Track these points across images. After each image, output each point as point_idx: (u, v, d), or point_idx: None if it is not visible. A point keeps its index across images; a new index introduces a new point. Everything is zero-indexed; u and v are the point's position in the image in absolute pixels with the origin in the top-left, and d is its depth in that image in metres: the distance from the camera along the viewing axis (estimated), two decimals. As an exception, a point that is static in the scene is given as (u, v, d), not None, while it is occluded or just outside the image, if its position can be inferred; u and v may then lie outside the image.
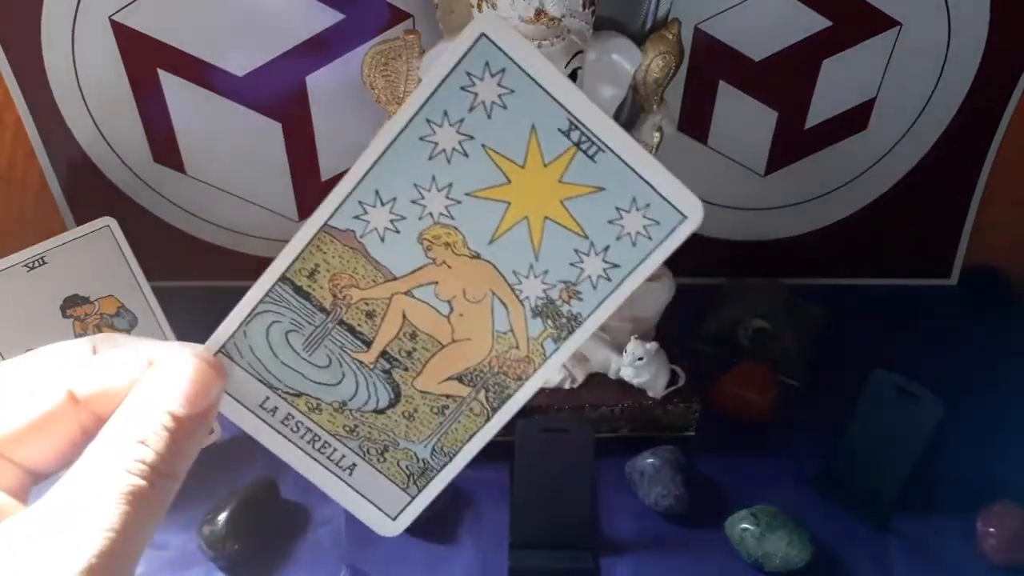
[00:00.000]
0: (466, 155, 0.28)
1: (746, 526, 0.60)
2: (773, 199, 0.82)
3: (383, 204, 0.29)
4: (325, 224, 0.29)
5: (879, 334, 0.79)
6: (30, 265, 0.62)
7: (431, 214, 0.29)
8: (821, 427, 0.68)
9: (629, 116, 0.67)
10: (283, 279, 0.29)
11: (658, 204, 0.28)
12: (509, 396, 0.31)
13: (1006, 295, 0.86)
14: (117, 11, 0.68)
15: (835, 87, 0.76)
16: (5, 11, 0.68)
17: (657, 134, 0.65)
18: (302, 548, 0.62)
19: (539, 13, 0.55)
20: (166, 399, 0.26)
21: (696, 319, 0.79)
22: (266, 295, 0.29)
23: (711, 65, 0.74)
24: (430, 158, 0.28)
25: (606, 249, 0.29)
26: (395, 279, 0.30)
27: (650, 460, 0.65)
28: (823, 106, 0.77)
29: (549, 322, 0.30)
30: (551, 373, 0.31)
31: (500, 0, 0.55)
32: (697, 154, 0.79)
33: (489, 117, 0.28)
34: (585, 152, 0.28)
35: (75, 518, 0.24)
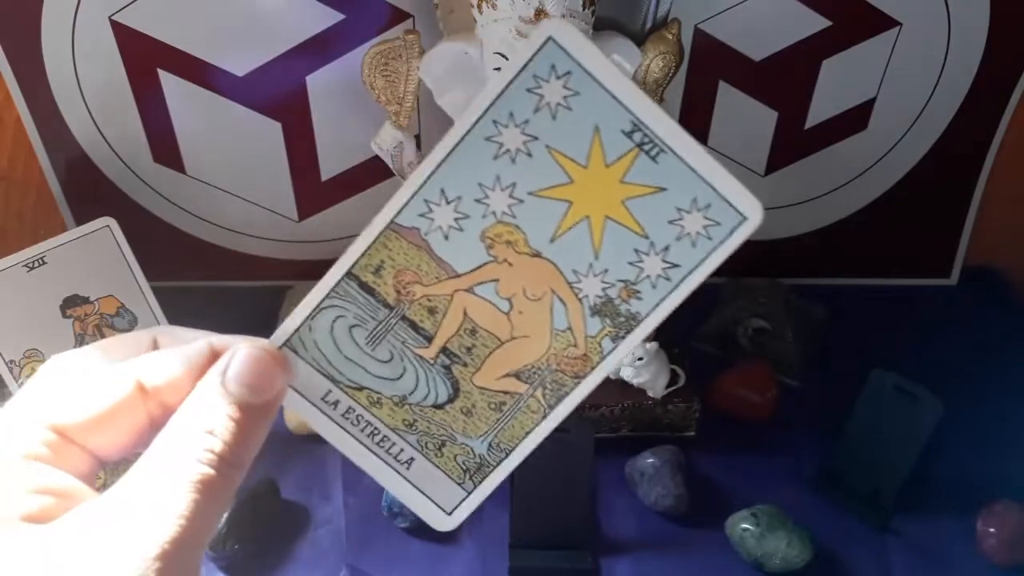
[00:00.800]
0: (530, 155, 0.29)
1: (746, 526, 0.60)
2: (773, 199, 0.82)
3: (448, 203, 0.29)
4: (392, 222, 0.29)
5: (879, 334, 0.79)
6: (30, 265, 0.62)
7: (494, 213, 0.29)
8: (821, 427, 0.68)
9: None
10: (349, 275, 0.30)
11: (718, 205, 0.29)
12: (566, 394, 0.31)
13: (1006, 295, 0.86)
14: (117, 11, 0.68)
15: (835, 87, 0.76)
16: (5, 11, 0.68)
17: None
18: (302, 548, 0.62)
19: (539, 13, 0.55)
20: (233, 390, 0.27)
21: (696, 319, 0.79)
22: (332, 290, 0.30)
23: (711, 65, 0.74)
24: (495, 158, 0.29)
25: (666, 249, 0.29)
26: (457, 276, 0.30)
27: (650, 460, 0.65)
28: (823, 106, 0.77)
29: (607, 321, 0.30)
30: (608, 372, 0.31)
31: (500, 0, 0.55)
32: (697, 154, 0.79)
33: (554, 118, 0.28)
34: (647, 153, 0.28)
35: (148, 505, 0.24)
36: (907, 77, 0.75)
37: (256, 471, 0.63)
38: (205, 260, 0.82)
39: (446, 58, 0.60)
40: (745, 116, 0.77)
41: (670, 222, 0.29)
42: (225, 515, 0.59)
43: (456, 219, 0.29)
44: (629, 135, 0.28)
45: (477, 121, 0.28)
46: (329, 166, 0.78)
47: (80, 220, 0.69)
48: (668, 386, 0.67)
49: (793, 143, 0.79)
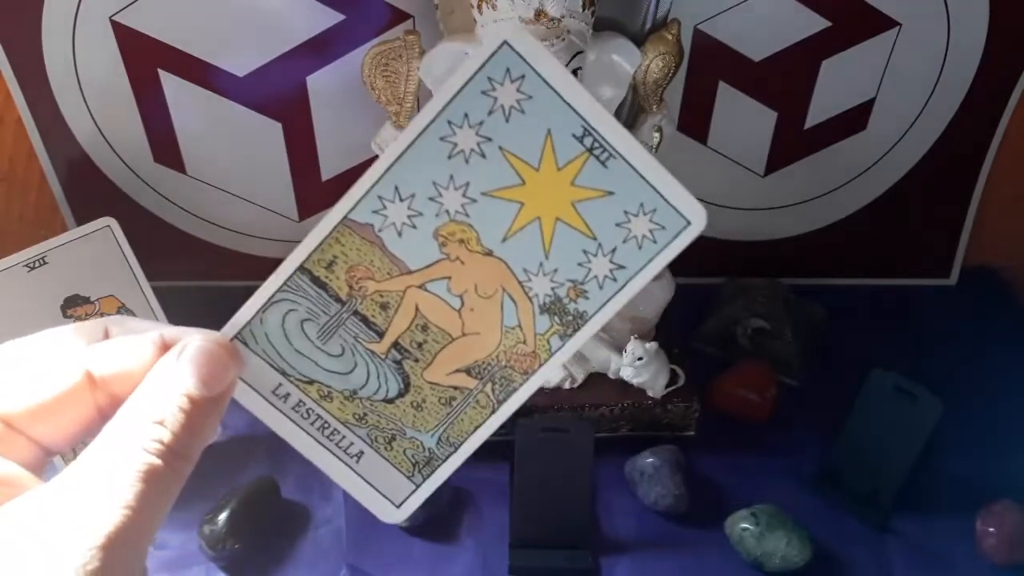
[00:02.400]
0: (484, 156, 0.29)
1: (745, 526, 0.61)
2: (773, 199, 0.82)
3: (402, 200, 0.30)
4: (345, 217, 0.30)
5: (878, 334, 0.79)
6: (31, 265, 0.62)
7: (447, 211, 0.30)
8: (820, 427, 0.68)
9: (629, 116, 0.67)
10: (302, 269, 0.30)
11: (664, 209, 0.30)
12: (515, 390, 0.32)
13: (1005, 295, 0.86)
14: (118, 11, 0.68)
15: (835, 87, 0.76)
16: (6, 11, 0.68)
17: (657, 134, 0.65)
18: (302, 548, 0.62)
19: (539, 14, 0.55)
20: (183, 381, 0.27)
21: (696, 319, 0.79)
22: (284, 284, 0.30)
23: (711, 65, 0.74)
24: (449, 157, 0.29)
25: (613, 251, 0.30)
26: (410, 273, 0.31)
27: (650, 460, 0.65)
28: (823, 106, 0.77)
29: (556, 319, 0.31)
30: (555, 369, 0.32)
31: (500, 1, 0.55)
32: (697, 154, 0.79)
33: (507, 121, 0.29)
34: (597, 158, 0.29)
35: (92, 494, 0.24)
36: (906, 77, 0.75)
37: (257, 471, 0.64)
38: (205, 260, 0.82)
39: (446, 59, 0.60)
40: (745, 116, 0.77)
41: (618, 225, 0.30)
42: (225, 514, 0.59)
43: (409, 216, 0.30)
44: (580, 139, 0.29)
45: (432, 121, 0.29)
46: (329, 166, 0.78)
47: (81, 220, 0.69)
48: (668, 386, 0.67)
49: (793, 143, 0.79)
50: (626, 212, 0.30)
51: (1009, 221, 0.85)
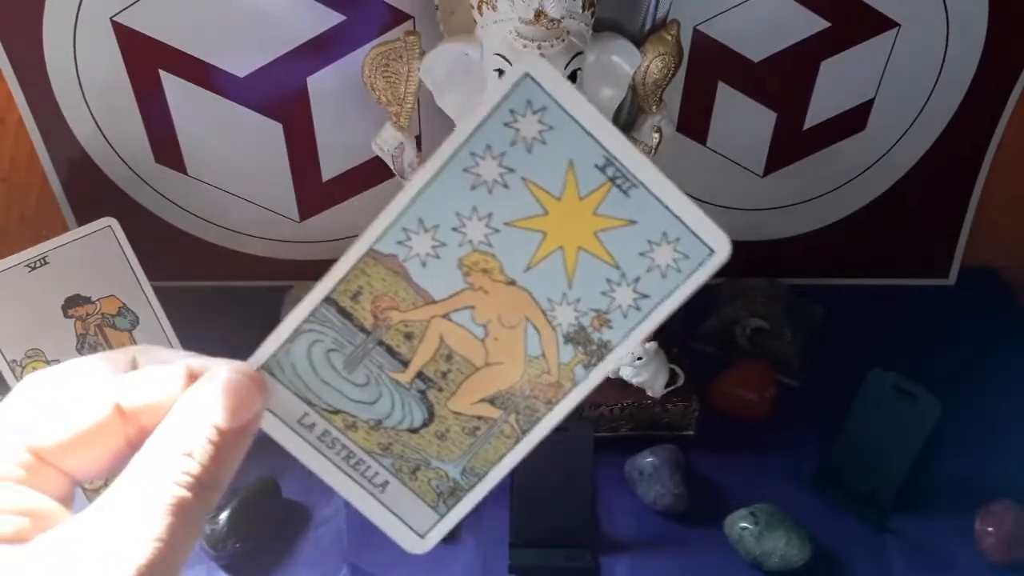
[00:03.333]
0: (506, 187, 0.29)
1: (745, 525, 0.61)
2: (772, 199, 0.82)
3: (426, 231, 0.30)
4: (370, 249, 0.30)
5: (877, 334, 0.79)
6: (32, 265, 0.62)
7: (471, 241, 0.30)
8: (820, 426, 0.69)
9: (628, 117, 0.68)
10: (327, 300, 0.30)
11: (687, 239, 0.30)
12: (539, 419, 0.32)
13: (1004, 295, 0.87)
14: (118, 12, 0.68)
15: (834, 88, 0.76)
16: (7, 11, 0.68)
17: (656, 135, 0.65)
18: (303, 547, 0.62)
19: (539, 15, 0.55)
20: (211, 413, 0.27)
21: (695, 319, 0.79)
22: (310, 315, 0.30)
23: (710, 66, 0.74)
24: (472, 188, 0.29)
25: (637, 280, 0.30)
26: (434, 303, 0.31)
27: (649, 459, 0.65)
28: (822, 107, 0.77)
29: (580, 348, 0.31)
30: (580, 399, 0.32)
31: (500, 2, 0.55)
32: (696, 155, 0.79)
33: (529, 151, 0.29)
34: (619, 187, 0.29)
35: (123, 527, 0.24)
36: (905, 78, 0.76)
37: (257, 470, 0.64)
38: (206, 260, 0.82)
39: (446, 59, 0.60)
40: (744, 117, 0.77)
41: (641, 254, 0.30)
42: (226, 514, 0.59)
43: (434, 247, 0.30)
44: (602, 169, 0.29)
45: (456, 152, 0.29)
46: (330, 167, 0.78)
47: (82, 220, 0.69)
48: (667, 385, 0.67)
49: (792, 144, 0.79)
50: (649, 241, 0.30)
51: (1008, 221, 0.85)
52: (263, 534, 0.61)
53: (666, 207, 0.29)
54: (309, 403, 0.31)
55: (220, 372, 0.28)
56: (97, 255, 0.64)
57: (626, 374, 0.66)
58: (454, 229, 0.30)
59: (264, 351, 0.30)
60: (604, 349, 0.31)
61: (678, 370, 0.67)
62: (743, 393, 0.71)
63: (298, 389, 0.31)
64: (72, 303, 0.64)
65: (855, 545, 0.63)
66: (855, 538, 0.63)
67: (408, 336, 0.31)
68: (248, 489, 0.62)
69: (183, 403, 0.27)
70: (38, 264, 0.63)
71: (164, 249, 0.79)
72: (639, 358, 0.65)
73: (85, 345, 0.64)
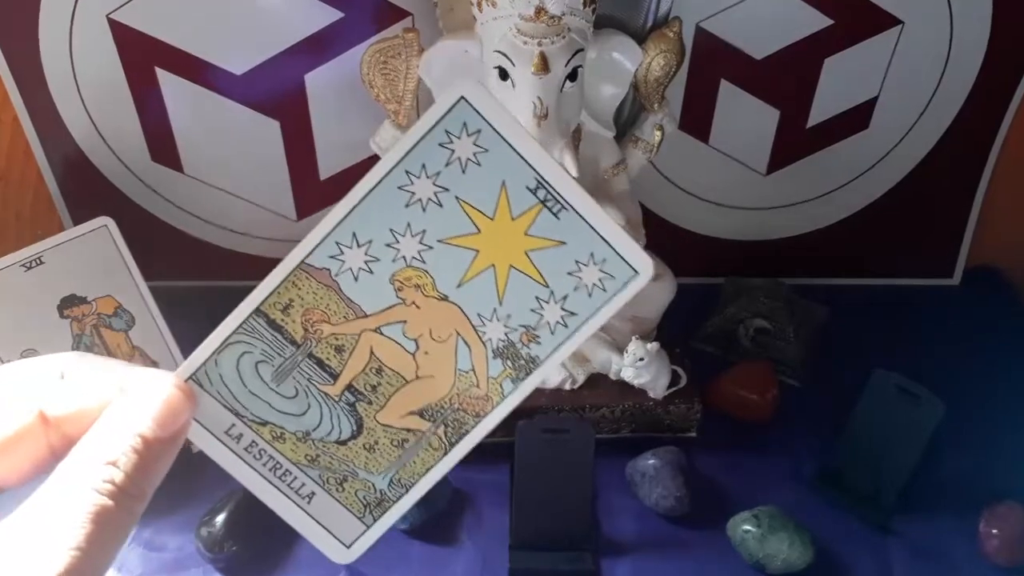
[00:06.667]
0: (440, 205, 0.31)
1: (747, 527, 0.60)
2: (775, 198, 0.82)
3: (359, 246, 0.31)
4: (302, 262, 0.31)
5: (880, 334, 0.79)
6: (27, 265, 0.62)
7: (404, 257, 0.31)
8: (822, 427, 0.68)
9: (630, 115, 0.67)
10: (257, 311, 0.31)
11: (613, 260, 0.31)
12: (466, 432, 0.33)
13: (1009, 295, 0.86)
14: (115, 9, 0.68)
15: (837, 86, 0.75)
16: (2, 9, 0.68)
17: (658, 133, 0.65)
18: (300, 549, 0.61)
19: (539, 11, 0.54)
20: (137, 422, 0.27)
21: (697, 319, 0.79)
22: (240, 326, 0.31)
23: (712, 64, 0.74)
24: (407, 206, 0.31)
25: (565, 298, 0.32)
26: (366, 316, 0.32)
27: (651, 461, 0.64)
28: (825, 105, 0.77)
29: (509, 363, 0.32)
30: (507, 412, 0.33)
31: (500, -2, 0.55)
32: (698, 153, 0.78)
33: (464, 172, 0.30)
34: (550, 209, 0.31)
35: (42, 535, 0.24)
36: (909, 76, 0.75)
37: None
38: (203, 260, 0.81)
39: (446, 56, 0.60)
40: (747, 115, 0.77)
41: (569, 273, 0.31)
42: (223, 517, 0.59)
43: (367, 262, 0.31)
44: (534, 191, 0.30)
45: (391, 170, 0.30)
46: (328, 165, 0.77)
47: (78, 220, 0.69)
48: (669, 387, 0.67)
49: (795, 142, 0.79)
50: (577, 262, 0.31)
51: (1012, 221, 0.84)
52: (260, 537, 0.61)
53: (594, 229, 0.31)
54: (237, 414, 0.32)
55: (148, 382, 0.28)
56: (93, 255, 0.64)
57: (628, 375, 0.65)
58: (388, 245, 0.31)
59: (193, 361, 0.31)
60: (532, 364, 0.32)
61: (680, 371, 0.67)
62: (745, 394, 0.71)
63: (226, 400, 0.31)
64: (68, 303, 0.63)
65: (858, 546, 0.63)
66: (858, 539, 0.63)
67: (338, 349, 0.32)
68: (245, 491, 0.61)
69: (109, 412, 0.27)
70: (34, 264, 0.62)
71: (161, 248, 0.78)
72: (641, 359, 0.64)
73: (81, 346, 0.63)
